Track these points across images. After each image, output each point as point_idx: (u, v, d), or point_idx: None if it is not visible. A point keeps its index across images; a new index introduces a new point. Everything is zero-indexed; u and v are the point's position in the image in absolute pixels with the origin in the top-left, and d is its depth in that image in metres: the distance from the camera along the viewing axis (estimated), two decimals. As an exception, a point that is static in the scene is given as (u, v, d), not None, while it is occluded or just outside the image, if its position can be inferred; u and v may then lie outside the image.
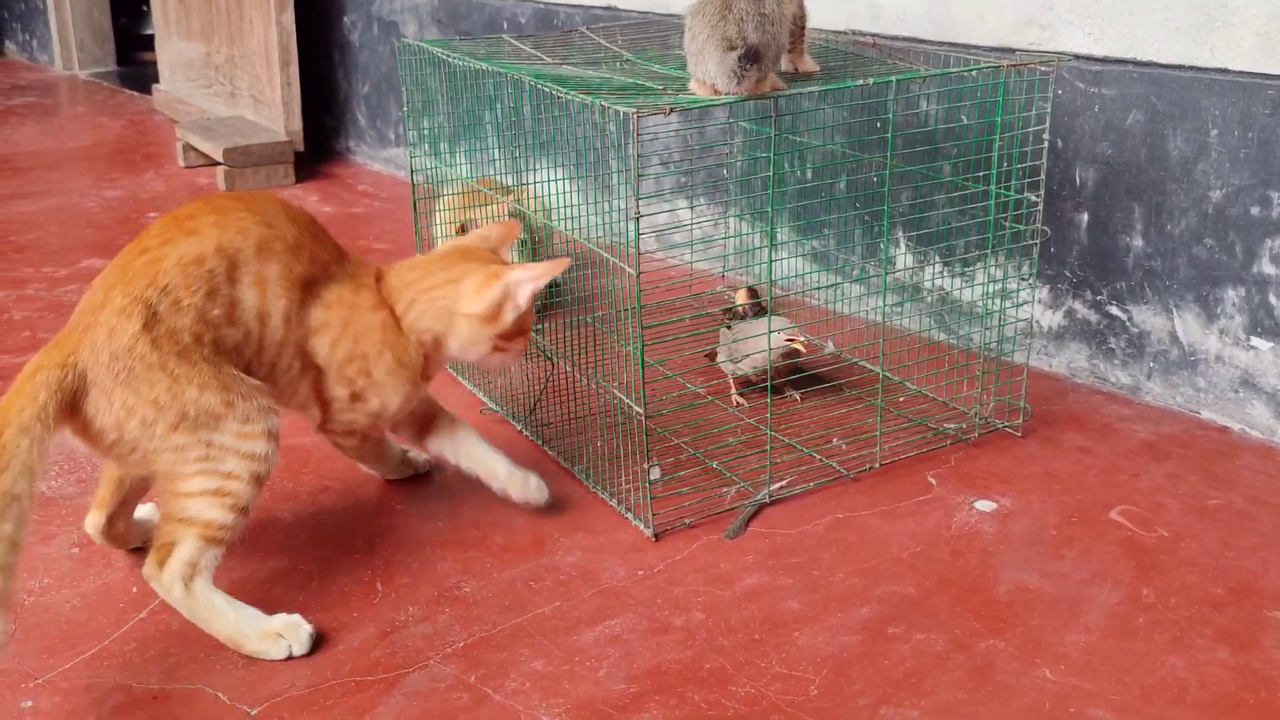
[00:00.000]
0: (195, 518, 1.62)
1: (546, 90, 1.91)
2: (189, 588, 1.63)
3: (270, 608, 1.74)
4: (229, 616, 1.65)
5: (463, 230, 2.57)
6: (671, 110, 1.74)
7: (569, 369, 2.22)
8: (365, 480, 2.11)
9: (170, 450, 1.61)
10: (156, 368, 1.59)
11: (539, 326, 2.69)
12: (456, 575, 1.83)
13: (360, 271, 1.87)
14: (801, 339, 2.20)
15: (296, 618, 1.67)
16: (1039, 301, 2.52)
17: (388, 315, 1.83)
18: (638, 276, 1.78)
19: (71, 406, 1.58)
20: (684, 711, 1.52)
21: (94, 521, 1.84)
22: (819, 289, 2.76)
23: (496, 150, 2.61)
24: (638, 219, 1.74)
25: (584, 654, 1.64)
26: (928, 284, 2.70)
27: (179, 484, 1.62)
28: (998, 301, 2.27)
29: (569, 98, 1.83)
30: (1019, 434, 2.23)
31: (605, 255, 1.89)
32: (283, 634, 1.65)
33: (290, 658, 1.63)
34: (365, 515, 2.00)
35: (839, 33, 2.73)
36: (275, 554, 1.89)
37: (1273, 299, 2.18)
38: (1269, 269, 2.18)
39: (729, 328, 2.43)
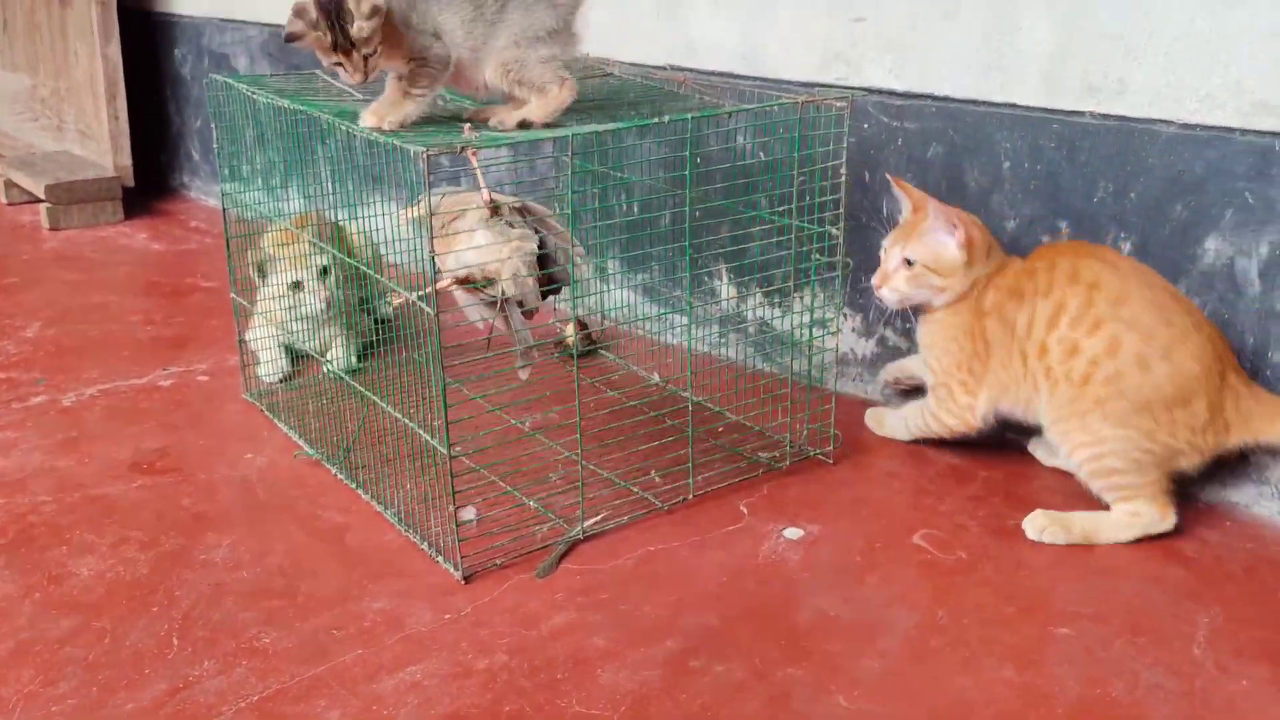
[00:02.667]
0: None
1: (344, 129, 1.90)
2: None
3: (57, 669, 1.68)
4: None
5: (260, 270, 2.55)
6: (464, 149, 1.74)
7: (385, 409, 2.19)
8: (171, 529, 2.05)
9: None
10: None
11: (361, 366, 2.67)
12: (258, 626, 1.79)
13: None
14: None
15: None
16: (853, 330, 2.58)
17: None
18: (436, 317, 1.77)
19: None
20: (478, 757, 1.51)
21: None
22: (644, 319, 2.79)
23: (320, 186, 2.58)
24: (434, 258, 1.74)
25: (382, 702, 1.62)
26: (749, 315, 2.75)
27: None
28: (810, 331, 2.32)
29: (362, 135, 1.82)
30: (830, 461, 2.28)
31: (405, 293, 1.87)
32: None
33: None
34: (167, 566, 1.94)
35: (659, 68, 2.77)
36: (68, 611, 1.82)
37: (1066, 324, 2.27)
38: (1061, 295, 2.27)
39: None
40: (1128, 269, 2.00)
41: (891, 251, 2.20)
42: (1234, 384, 1.97)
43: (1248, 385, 1.99)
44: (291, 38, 1.81)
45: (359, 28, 1.78)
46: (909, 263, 2.15)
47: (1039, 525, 2.01)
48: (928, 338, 2.23)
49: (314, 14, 1.79)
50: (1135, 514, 1.99)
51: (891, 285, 2.18)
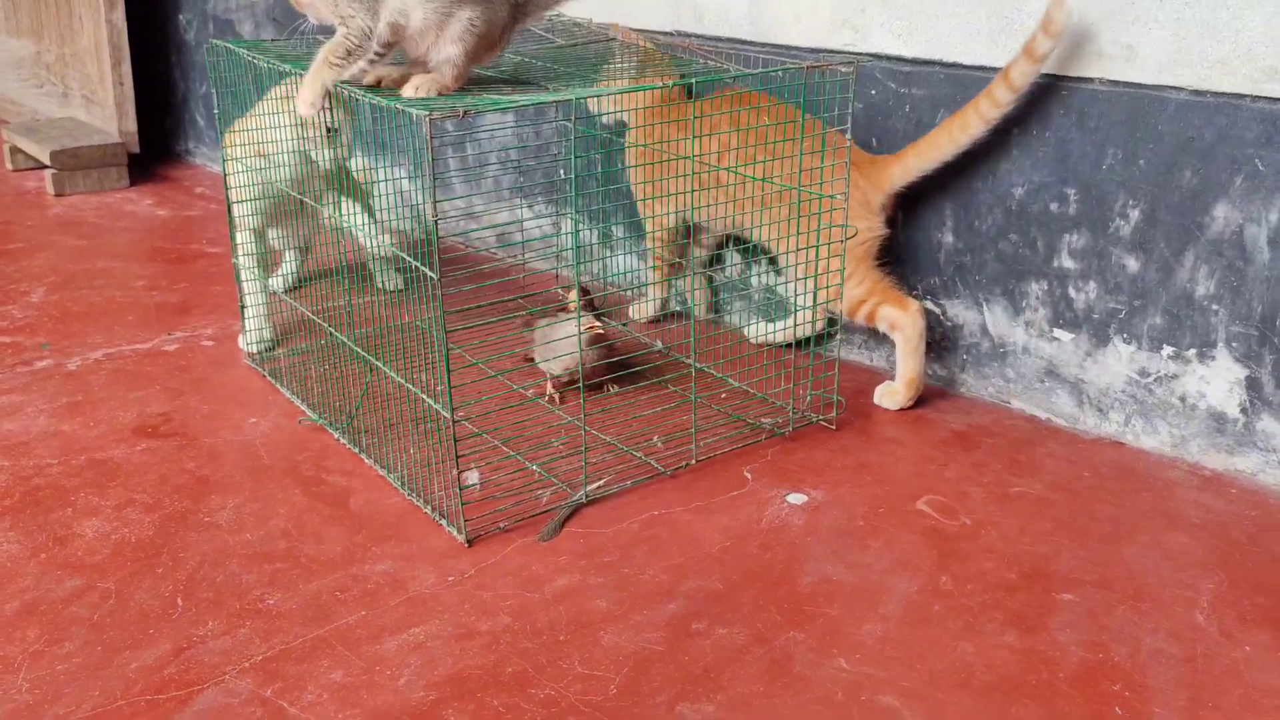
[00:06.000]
0: None
1: (345, 93, 1.89)
2: None
3: (62, 628, 1.69)
4: None
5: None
6: (466, 113, 1.72)
7: (388, 374, 2.19)
8: (175, 493, 2.06)
9: None
10: None
11: (362, 330, 2.66)
12: (261, 588, 1.79)
13: None
14: (599, 325, 2.26)
15: None
16: (859, 297, 2.57)
17: None
18: (439, 281, 1.77)
19: None
20: (481, 717, 1.52)
21: None
22: (647, 285, 2.78)
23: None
24: (435, 222, 1.73)
25: (385, 663, 1.62)
26: (753, 281, 2.74)
27: None
28: (814, 298, 2.31)
29: (364, 100, 1.81)
30: (833, 427, 2.28)
31: (408, 259, 1.87)
32: None
33: None
34: (172, 529, 1.95)
35: (666, 34, 2.75)
36: (73, 572, 1.82)
37: (1072, 292, 2.26)
38: (1068, 263, 2.26)
39: (532, 329, 2.42)
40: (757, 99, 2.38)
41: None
42: (856, 162, 2.28)
43: (870, 160, 2.33)
44: None
45: None
46: None
47: (877, 394, 2.38)
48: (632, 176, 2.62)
49: None
50: (892, 326, 2.30)
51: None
